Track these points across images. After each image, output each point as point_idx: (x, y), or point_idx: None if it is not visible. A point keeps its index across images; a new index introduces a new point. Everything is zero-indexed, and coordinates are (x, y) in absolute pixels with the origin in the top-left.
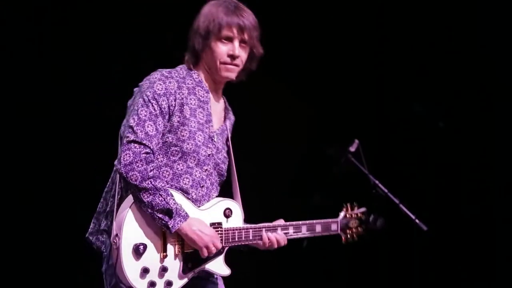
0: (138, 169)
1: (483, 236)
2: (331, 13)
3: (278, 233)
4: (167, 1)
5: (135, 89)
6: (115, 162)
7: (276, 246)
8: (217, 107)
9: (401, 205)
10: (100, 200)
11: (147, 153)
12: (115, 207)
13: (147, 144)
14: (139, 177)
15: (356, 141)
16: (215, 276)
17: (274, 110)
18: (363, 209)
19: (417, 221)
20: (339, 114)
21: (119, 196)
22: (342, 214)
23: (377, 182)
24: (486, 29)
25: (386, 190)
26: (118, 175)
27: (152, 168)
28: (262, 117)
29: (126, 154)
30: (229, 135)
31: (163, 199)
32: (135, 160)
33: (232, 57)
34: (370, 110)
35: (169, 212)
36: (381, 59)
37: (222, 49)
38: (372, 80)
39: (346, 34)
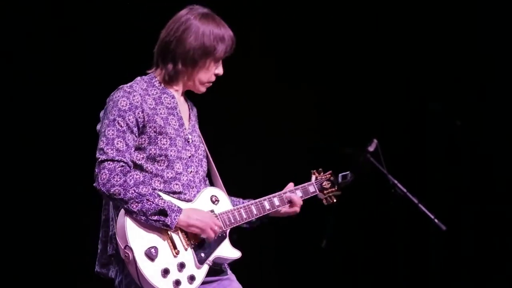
0: (118, 183)
1: (503, 236)
2: (348, 11)
3: (293, 194)
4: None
5: (101, 114)
6: (94, 185)
7: (298, 208)
8: (183, 107)
9: (420, 205)
10: (100, 230)
11: (122, 166)
12: (116, 225)
13: (119, 159)
14: (121, 190)
15: (375, 140)
16: (227, 274)
17: (290, 109)
18: (329, 172)
19: (436, 220)
20: (357, 114)
21: (113, 216)
22: (313, 178)
23: (396, 182)
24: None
25: (405, 190)
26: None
27: (130, 178)
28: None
29: (102, 174)
30: (197, 126)
31: (151, 203)
32: (112, 176)
33: (217, 76)
34: (389, 109)
35: (162, 212)
36: (400, 60)
37: (213, 69)
38: (390, 79)
39: (362, 32)
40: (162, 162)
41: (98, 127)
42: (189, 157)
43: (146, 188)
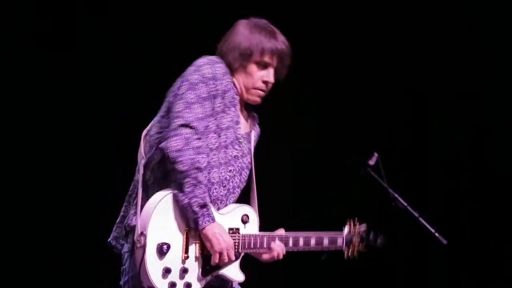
0: (188, 157)
1: (505, 250)
2: (349, 18)
3: (277, 244)
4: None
5: (177, 79)
6: (161, 145)
7: (276, 258)
8: (243, 113)
9: (420, 219)
10: (124, 204)
11: (197, 139)
12: (139, 207)
13: (196, 126)
14: (187, 165)
15: (375, 154)
16: (233, 287)
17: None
18: (364, 226)
19: (437, 234)
20: (358, 127)
21: (141, 197)
22: (346, 229)
23: (396, 195)
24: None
25: (405, 204)
26: (140, 179)
27: (201, 159)
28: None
29: (176, 140)
30: (253, 144)
31: (202, 192)
32: (186, 147)
33: (266, 84)
34: (389, 122)
35: (203, 207)
36: (401, 74)
37: (258, 74)
38: (390, 92)
39: (365, 43)
40: (215, 141)
41: (173, 89)
42: (234, 156)
43: (205, 180)
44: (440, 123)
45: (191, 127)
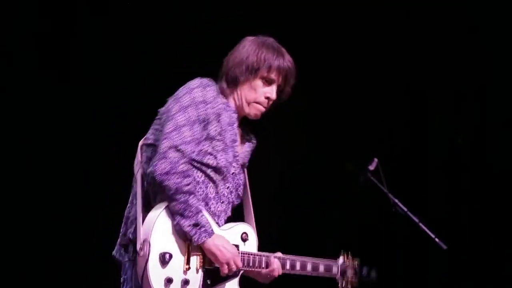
0: (174, 181)
1: (505, 255)
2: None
3: (275, 262)
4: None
5: (169, 99)
6: (149, 170)
7: (271, 275)
8: (240, 129)
9: (421, 224)
10: (123, 220)
11: (184, 163)
12: (140, 214)
13: (183, 150)
14: (174, 189)
15: (375, 159)
16: None
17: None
18: (357, 260)
19: (437, 240)
20: (358, 132)
21: (141, 210)
22: (341, 259)
23: (396, 201)
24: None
25: (405, 209)
26: (139, 190)
27: (187, 183)
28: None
29: (163, 163)
30: (248, 159)
31: (192, 214)
32: (172, 171)
33: (268, 99)
34: (389, 127)
35: (195, 226)
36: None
37: (262, 89)
38: (392, 97)
39: (364, 45)
40: (211, 162)
41: (162, 110)
42: (232, 173)
43: (195, 200)
44: (440, 126)
45: (178, 150)
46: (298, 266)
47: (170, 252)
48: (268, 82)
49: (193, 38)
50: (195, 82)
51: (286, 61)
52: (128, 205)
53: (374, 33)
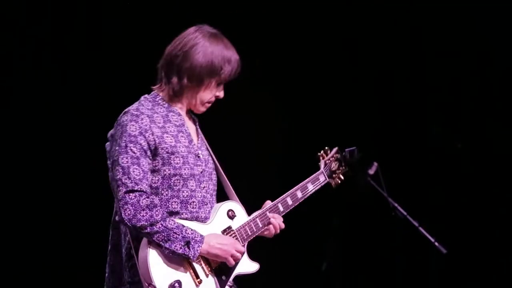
0: (144, 218)
1: (504, 259)
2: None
3: (273, 216)
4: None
5: (109, 135)
6: (117, 219)
7: (278, 230)
8: (189, 123)
9: (420, 228)
10: (109, 249)
11: (144, 198)
12: (137, 259)
13: (139, 188)
14: (148, 224)
15: (375, 163)
16: None
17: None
18: (335, 149)
19: (436, 244)
20: (357, 136)
21: (131, 246)
22: (322, 163)
23: (396, 205)
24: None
25: (405, 213)
26: (123, 231)
27: (157, 212)
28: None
29: (126, 209)
30: (204, 139)
31: (177, 235)
32: (137, 211)
33: (217, 98)
34: (389, 130)
35: (186, 244)
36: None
37: (214, 90)
38: (391, 101)
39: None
40: (178, 181)
41: (106, 147)
42: (201, 172)
43: (172, 221)
44: (440, 131)
45: (134, 191)
46: (290, 201)
47: (177, 279)
48: (221, 83)
49: None
50: (126, 117)
51: (237, 63)
52: (109, 248)
53: (375, 37)
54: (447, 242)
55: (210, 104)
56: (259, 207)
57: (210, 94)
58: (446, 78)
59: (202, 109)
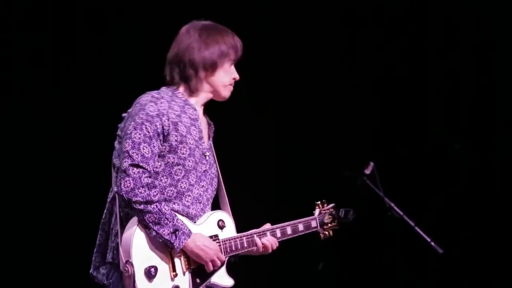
0: (141, 195)
1: (500, 259)
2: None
3: (269, 237)
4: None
5: (124, 114)
6: (114, 190)
7: (270, 250)
8: (203, 122)
9: (416, 228)
10: (98, 232)
11: (146, 176)
12: (120, 236)
13: (144, 166)
14: (143, 202)
15: (371, 163)
16: None
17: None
18: (332, 205)
19: (432, 244)
20: (354, 136)
21: (119, 225)
22: (317, 211)
23: (392, 204)
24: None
25: (401, 213)
26: (116, 205)
27: (155, 193)
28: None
29: (126, 181)
30: (213, 149)
31: (168, 221)
32: (137, 186)
33: (235, 80)
34: (386, 132)
35: (174, 232)
36: (397, 81)
37: (230, 71)
38: (388, 101)
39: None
40: (179, 171)
41: (120, 125)
42: (204, 171)
43: (167, 207)
44: (438, 131)
45: (139, 167)
46: (279, 233)
47: (154, 265)
48: (232, 63)
49: None
50: (146, 97)
51: (239, 41)
52: (99, 232)
53: (373, 37)
54: (444, 242)
55: (232, 87)
56: (249, 226)
57: (227, 76)
58: (446, 78)
59: (226, 92)
